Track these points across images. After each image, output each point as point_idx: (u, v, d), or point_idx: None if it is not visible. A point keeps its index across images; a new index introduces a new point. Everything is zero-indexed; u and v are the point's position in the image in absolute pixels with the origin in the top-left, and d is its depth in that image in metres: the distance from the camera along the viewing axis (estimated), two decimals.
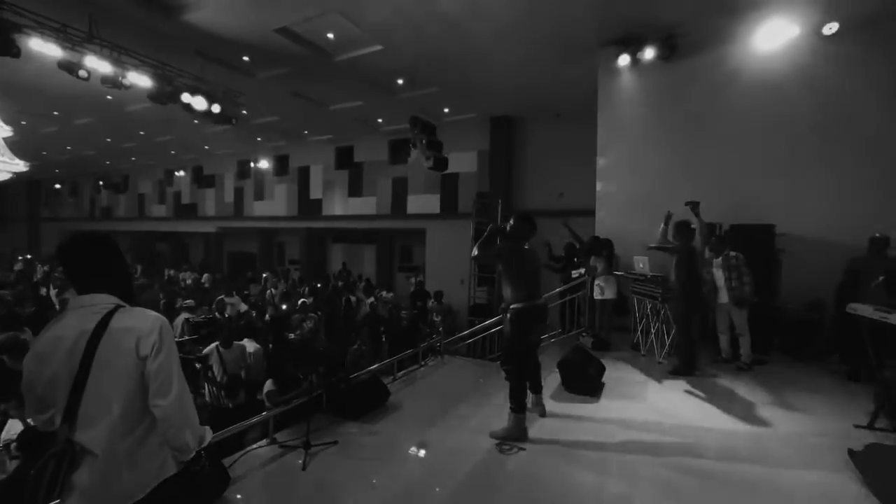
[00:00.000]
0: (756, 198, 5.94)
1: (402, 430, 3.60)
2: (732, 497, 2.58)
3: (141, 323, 1.42)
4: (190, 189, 18.13)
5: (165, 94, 6.95)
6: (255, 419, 3.43)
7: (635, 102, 6.83)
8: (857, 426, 3.36)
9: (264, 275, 12.52)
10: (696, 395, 4.19)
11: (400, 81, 8.65)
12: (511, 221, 3.54)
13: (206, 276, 13.51)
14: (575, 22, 6.21)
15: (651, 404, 3.99)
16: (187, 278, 13.79)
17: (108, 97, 9.52)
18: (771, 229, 5.61)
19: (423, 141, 7.23)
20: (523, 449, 3.13)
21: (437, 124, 8.54)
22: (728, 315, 4.97)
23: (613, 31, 6.40)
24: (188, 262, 18.76)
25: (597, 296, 5.83)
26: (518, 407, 3.26)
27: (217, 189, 17.26)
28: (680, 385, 4.46)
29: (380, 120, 11.59)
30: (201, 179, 17.74)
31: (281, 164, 15.42)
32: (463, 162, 11.32)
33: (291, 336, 5.87)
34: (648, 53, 6.33)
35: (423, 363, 5.50)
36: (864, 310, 3.39)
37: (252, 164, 15.85)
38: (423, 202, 12.39)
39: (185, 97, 7.11)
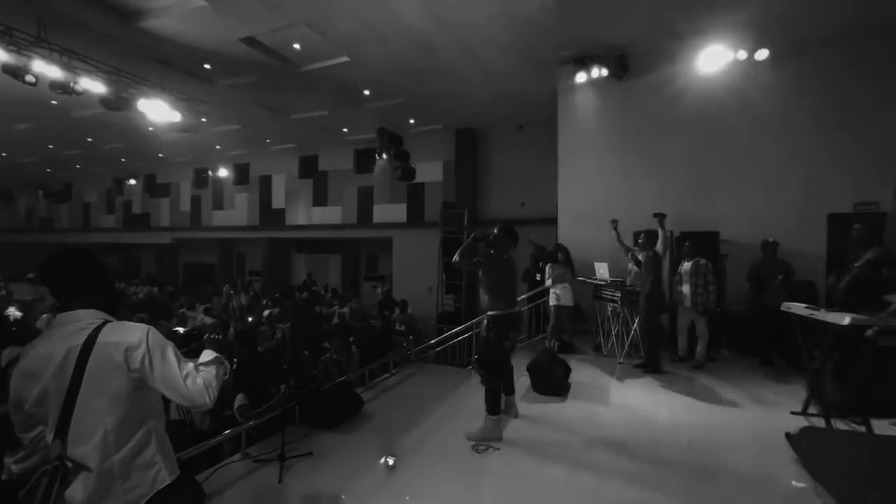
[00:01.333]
0: (702, 207, 6.44)
1: (377, 438, 3.63)
2: (692, 484, 2.82)
3: (128, 336, 1.42)
4: (142, 198, 17.26)
5: (121, 101, 6.68)
6: (225, 434, 3.35)
7: (592, 118, 7.24)
8: (792, 413, 3.73)
9: (226, 289, 12.08)
10: (655, 392, 4.49)
11: (366, 92, 8.71)
12: (494, 231, 3.65)
13: (146, 289, 12.84)
14: (535, 40, 6.53)
15: (614, 402, 4.25)
16: (139, 292, 13.09)
17: (53, 102, 9.00)
18: (716, 236, 6.10)
19: (391, 152, 7.32)
20: (498, 448, 3.26)
21: (403, 135, 8.66)
22: (690, 318, 5.34)
23: (570, 49, 6.78)
24: (139, 275, 17.78)
25: (552, 302, 5.94)
26: (493, 409, 3.40)
27: (172, 198, 16.53)
28: (640, 383, 4.76)
29: (345, 129, 11.57)
30: (154, 188, 16.94)
31: (241, 173, 15.01)
32: (429, 172, 11.49)
33: (259, 349, 5.74)
34: (603, 72, 6.75)
35: (394, 371, 5.53)
36: (797, 308, 3.78)
37: (210, 173, 15.31)
38: (389, 211, 12.43)
39: (143, 104, 6.86)
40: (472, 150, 11.33)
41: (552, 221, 7.53)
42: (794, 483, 2.75)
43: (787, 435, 3.17)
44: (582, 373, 4.94)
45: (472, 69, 7.51)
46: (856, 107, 5.91)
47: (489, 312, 3.48)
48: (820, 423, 3.49)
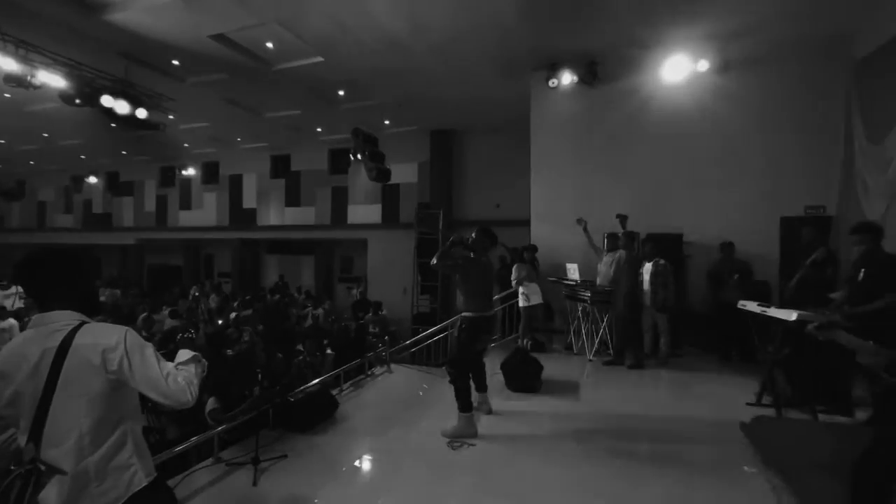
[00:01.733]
0: (667, 210, 6.71)
1: (353, 439, 3.65)
2: (654, 471, 2.98)
3: (105, 338, 1.41)
4: (103, 197, 16.53)
5: (83, 96, 6.42)
6: (196, 438, 3.29)
7: (564, 122, 7.45)
8: (747, 404, 3.98)
9: (194, 290, 11.74)
10: (622, 388, 4.68)
11: (341, 93, 8.67)
12: (473, 234, 3.74)
13: (109, 292, 12.31)
14: (508, 45, 6.67)
15: (584, 397, 4.41)
16: (102, 295, 12.53)
17: (7, 95, 8.54)
18: (679, 238, 6.39)
19: (366, 153, 7.32)
20: (473, 444, 3.34)
21: (378, 136, 8.67)
22: (651, 316, 5.56)
23: (543, 56, 6.95)
24: (100, 276, 17.01)
25: (521, 303, 6.01)
26: (465, 406, 3.48)
27: (136, 197, 15.92)
28: (608, 379, 4.95)
29: (319, 129, 11.46)
30: (117, 186, 16.25)
31: (210, 172, 14.60)
32: (404, 173, 11.48)
33: (230, 352, 5.64)
34: (574, 78, 6.95)
35: (368, 373, 5.54)
36: (751, 305, 4.03)
37: (177, 171, 14.82)
38: (364, 212, 12.38)
39: (107, 100, 6.61)
40: (448, 152, 11.42)
41: (526, 223, 7.69)
42: (745, 468, 2.95)
43: (742, 424, 3.39)
44: (553, 370, 5.07)
45: (447, 72, 7.60)
46: (805, 116, 6.30)
47: (463, 314, 3.56)
48: (772, 412, 3.73)
